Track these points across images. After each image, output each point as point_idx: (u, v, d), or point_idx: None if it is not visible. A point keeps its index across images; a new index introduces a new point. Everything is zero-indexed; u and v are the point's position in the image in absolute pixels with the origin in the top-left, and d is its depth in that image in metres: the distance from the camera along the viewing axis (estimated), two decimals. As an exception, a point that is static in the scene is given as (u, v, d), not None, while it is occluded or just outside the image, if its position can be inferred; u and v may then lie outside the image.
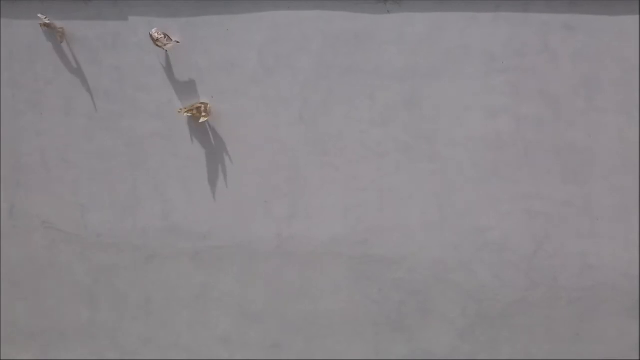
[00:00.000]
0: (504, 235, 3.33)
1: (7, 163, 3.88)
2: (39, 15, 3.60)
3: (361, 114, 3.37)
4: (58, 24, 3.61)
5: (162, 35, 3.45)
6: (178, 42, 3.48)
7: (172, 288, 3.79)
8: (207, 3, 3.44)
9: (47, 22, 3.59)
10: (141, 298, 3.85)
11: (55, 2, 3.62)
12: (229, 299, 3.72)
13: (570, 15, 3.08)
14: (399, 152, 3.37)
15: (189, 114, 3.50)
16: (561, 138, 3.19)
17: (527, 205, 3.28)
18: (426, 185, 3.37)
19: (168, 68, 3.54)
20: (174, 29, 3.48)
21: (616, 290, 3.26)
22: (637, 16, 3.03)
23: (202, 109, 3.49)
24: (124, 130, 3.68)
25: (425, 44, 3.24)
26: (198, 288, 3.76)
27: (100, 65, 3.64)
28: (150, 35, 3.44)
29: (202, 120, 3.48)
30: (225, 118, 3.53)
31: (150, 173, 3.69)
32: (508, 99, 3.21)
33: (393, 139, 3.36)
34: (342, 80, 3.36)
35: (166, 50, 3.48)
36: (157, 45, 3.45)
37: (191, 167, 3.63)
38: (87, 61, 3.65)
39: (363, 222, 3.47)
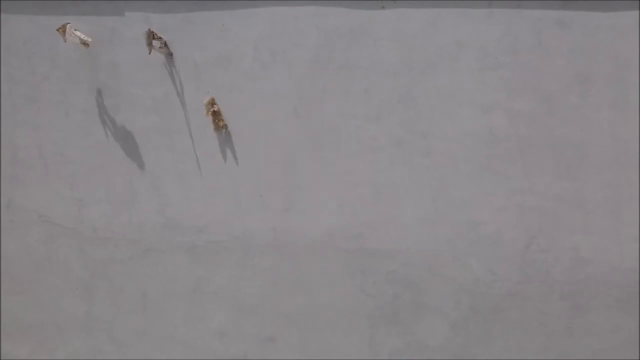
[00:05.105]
0: (497, 229, 3.35)
1: (5, 157, 3.88)
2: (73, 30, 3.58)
3: (356, 109, 3.38)
4: (55, 20, 3.61)
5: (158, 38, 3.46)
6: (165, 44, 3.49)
7: (168, 282, 3.81)
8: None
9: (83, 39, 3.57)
10: (137, 292, 3.86)
11: (51, -2, 3.64)
12: (224, 293, 3.74)
13: (564, 11, 3.09)
14: (393, 147, 3.38)
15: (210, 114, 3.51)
16: (554, 134, 3.20)
17: (521, 200, 3.30)
18: (421, 180, 3.38)
19: (164, 63, 3.55)
20: (170, 24, 3.48)
21: (608, 284, 3.28)
22: (630, 13, 3.04)
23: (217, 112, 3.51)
24: (120, 125, 3.69)
25: (419, 40, 3.24)
26: (194, 282, 3.77)
27: (96, 61, 3.65)
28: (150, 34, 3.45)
29: (220, 124, 3.51)
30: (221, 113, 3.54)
31: (147, 167, 3.70)
32: (502, 94, 3.22)
33: (388, 134, 3.37)
34: (337, 75, 3.36)
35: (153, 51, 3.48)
36: (149, 44, 3.44)
37: (187, 161, 3.64)
38: (84, 56, 3.66)
39: (358, 216, 3.49)
